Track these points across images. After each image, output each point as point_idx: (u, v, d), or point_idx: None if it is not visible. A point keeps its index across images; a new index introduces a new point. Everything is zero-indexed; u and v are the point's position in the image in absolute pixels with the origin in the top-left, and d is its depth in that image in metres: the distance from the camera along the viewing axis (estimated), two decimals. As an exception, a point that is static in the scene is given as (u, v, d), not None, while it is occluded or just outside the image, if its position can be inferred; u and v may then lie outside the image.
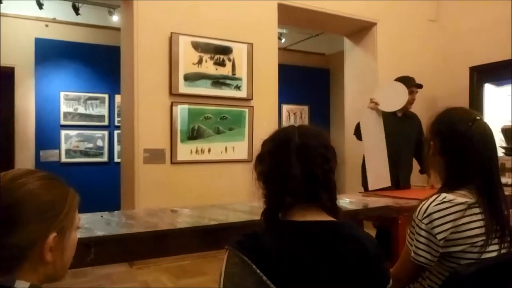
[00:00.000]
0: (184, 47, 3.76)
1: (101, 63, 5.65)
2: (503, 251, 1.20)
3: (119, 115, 5.46)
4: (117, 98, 5.52)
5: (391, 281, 0.98)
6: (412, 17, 5.14)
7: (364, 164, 3.25)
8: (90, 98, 5.69)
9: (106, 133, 5.78)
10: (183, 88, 3.78)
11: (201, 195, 3.73)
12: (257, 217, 1.06)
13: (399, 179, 3.18)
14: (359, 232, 0.98)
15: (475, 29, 4.90)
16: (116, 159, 5.67)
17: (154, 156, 3.65)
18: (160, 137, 3.70)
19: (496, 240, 1.19)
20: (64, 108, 5.51)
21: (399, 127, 3.22)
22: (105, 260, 1.73)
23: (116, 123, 5.75)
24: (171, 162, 3.74)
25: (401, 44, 5.05)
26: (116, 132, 5.74)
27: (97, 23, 5.71)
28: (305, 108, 7.36)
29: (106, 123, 5.78)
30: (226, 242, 0.93)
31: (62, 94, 5.49)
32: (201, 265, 3.67)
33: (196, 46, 3.82)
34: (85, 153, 5.66)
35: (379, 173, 2.98)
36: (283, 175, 0.96)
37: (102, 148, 5.76)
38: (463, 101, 4.57)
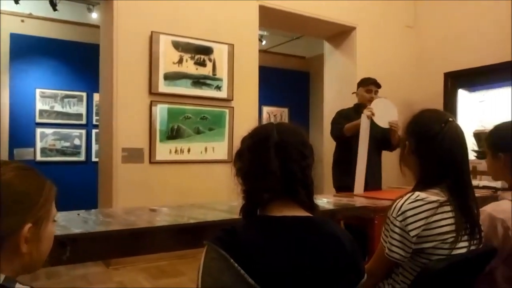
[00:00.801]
0: (165, 46, 3.74)
1: (79, 61, 5.56)
2: (472, 247, 1.25)
3: (97, 114, 5.37)
4: (96, 97, 5.44)
5: (365, 275, 1.01)
6: (390, 23, 5.26)
7: (335, 163, 3.32)
8: (67, 96, 5.58)
9: (83, 131, 5.69)
10: (163, 87, 3.76)
11: (180, 195, 3.71)
12: (237, 216, 1.08)
13: (368, 180, 3.20)
14: (335, 228, 1.01)
15: (450, 36, 5.05)
16: (94, 159, 5.58)
17: (133, 156, 3.62)
18: (139, 137, 3.67)
19: (465, 237, 1.24)
20: (40, 105, 5.39)
21: None
22: (81, 259, 1.71)
23: (94, 122, 5.66)
24: (150, 162, 3.71)
25: (380, 49, 5.16)
26: (94, 131, 5.65)
27: (75, 20, 5.61)
28: (285, 110, 7.41)
29: (83, 121, 5.69)
30: (203, 242, 0.94)
31: (38, 91, 5.37)
32: (179, 265, 3.65)
33: (177, 45, 3.81)
34: (62, 152, 5.54)
35: (363, 178, 3.05)
36: (261, 171, 0.98)
37: (79, 147, 5.66)
38: (438, 106, 4.67)
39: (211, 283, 0.88)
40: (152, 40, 3.67)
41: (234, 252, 0.87)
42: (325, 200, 2.40)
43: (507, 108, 4.37)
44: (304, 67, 7.91)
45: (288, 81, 7.42)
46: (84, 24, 5.64)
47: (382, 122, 3.19)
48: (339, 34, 5.15)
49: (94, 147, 5.66)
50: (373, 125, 3.30)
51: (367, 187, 3.13)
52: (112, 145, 3.55)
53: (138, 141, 3.65)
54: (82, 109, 5.68)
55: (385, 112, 3.20)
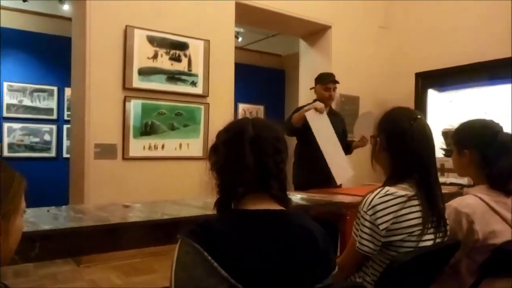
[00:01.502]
0: (139, 41, 3.69)
1: (50, 54, 5.41)
2: (438, 240, 1.30)
3: (69, 109, 5.25)
4: (67, 91, 5.31)
5: (336, 267, 1.03)
6: (364, 23, 5.36)
7: (296, 162, 3.30)
8: (37, 90, 5.43)
9: (54, 127, 5.54)
10: (137, 82, 3.70)
11: (153, 192, 3.68)
12: (211, 212, 1.08)
13: (331, 176, 3.21)
14: (308, 222, 1.03)
15: (421, 37, 5.20)
16: (65, 155, 5.45)
17: (106, 152, 3.55)
18: (112, 132, 3.60)
19: (432, 230, 1.28)
20: (7, 99, 5.22)
21: None
22: (51, 256, 1.67)
23: (65, 117, 5.53)
24: (123, 158, 3.65)
25: (354, 48, 5.26)
26: (65, 126, 5.52)
27: (46, 12, 5.45)
28: (261, 108, 7.44)
29: (54, 116, 5.54)
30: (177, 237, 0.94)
31: (5, 84, 5.20)
32: (152, 263, 3.62)
33: (152, 40, 3.76)
34: (31, 148, 5.39)
35: (341, 166, 3.06)
36: (236, 165, 0.99)
37: (49, 142, 5.51)
38: (409, 105, 4.72)
39: (185, 277, 0.88)
40: (127, 35, 3.61)
41: (207, 245, 0.87)
42: (298, 196, 2.43)
43: (474, 108, 4.54)
44: (280, 65, 7.96)
45: (263, 78, 7.45)
46: (55, 16, 5.49)
47: (357, 132, 3.23)
48: (315, 32, 5.21)
49: (65, 142, 5.53)
50: (335, 122, 3.33)
51: (330, 185, 3.17)
52: (84, 141, 3.48)
53: (111, 137, 3.59)
54: (53, 104, 5.53)
55: (364, 125, 3.20)
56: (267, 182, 0.99)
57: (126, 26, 3.61)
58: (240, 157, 0.99)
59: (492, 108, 4.30)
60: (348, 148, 3.34)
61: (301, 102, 5.52)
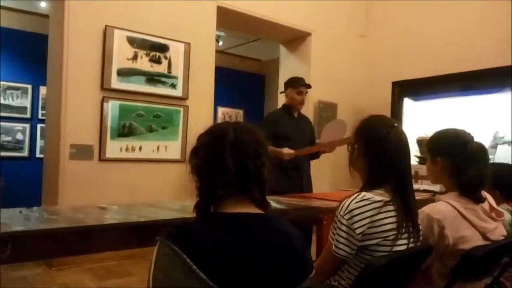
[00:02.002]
0: (119, 41, 3.65)
1: (25, 52, 5.28)
2: (411, 245, 1.34)
3: (43, 108, 5.13)
4: (42, 90, 5.19)
5: (313, 270, 1.05)
6: (343, 31, 5.46)
7: (277, 166, 3.29)
8: (10, 88, 5.28)
9: (27, 126, 5.40)
10: (116, 83, 3.66)
11: (130, 194, 3.64)
12: (189, 215, 1.09)
13: (303, 181, 3.29)
14: (286, 225, 1.04)
15: (399, 47, 5.34)
16: (38, 154, 5.32)
17: (81, 152, 3.49)
18: (88, 133, 3.54)
19: (405, 235, 1.32)
20: (-21, 97, 5.06)
21: (297, 128, 3.31)
22: (23, 258, 1.63)
23: (40, 116, 5.39)
24: (100, 159, 3.59)
25: (333, 56, 5.34)
26: (39, 125, 5.38)
27: (23, 8, 5.33)
28: (240, 112, 7.45)
29: (28, 115, 5.40)
30: (155, 239, 0.94)
31: (-23, 81, 5.05)
32: (127, 265, 3.57)
33: (132, 41, 3.72)
34: (2, 147, 5.22)
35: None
36: (216, 168, 1.00)
37: (22, 142, 5.37)
38: (385, 113, 4.84)
39: (163, 279, 0.88)
40: (106, 35, 3.57)
41: (186, 247, 0.88)
42: (276, 201, 2.45)
43: (448, 117, 4.68)
44: (260, 70, 8.00)
45: (243, 83, 7.47)
46: (32, 13, 5.37)
47: (325, 138, 3.28)
48: (295, 39, 5.27)
49: (39, 142, 5.39)
50: (304, 126, 3.38)
51: (302, 190, 3.20)
52: (59, 141, 3.40)
53: (87, 138, 3.53)
54: (27, 102, 5.39)
55: (334, 132, 3.25)
56: (247, 186, 1.00)
57: (106, 26, 3.57)
58: (221, 160, 1.00)
59: (464, 118, 4.45)
60: (316, 152, 3.39)
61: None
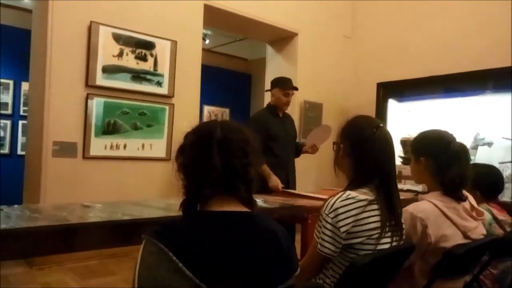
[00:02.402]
0: (104, 38, 3.60)
1: (7, 47, 5.16)
2: (394, 243, 1.36)
3: (25, 104, 5.03)
4: (24, 86, 5.09)
5: (299, 269, 1.06)
6: (330, 32, 5.50)
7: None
8: (-9, 84, 5.16)
9: (8, 122, 5.28)
10: (101, 80, 3.61)
11: (115, 193, 3.60)
12: (174, 213, 1.08)
13: (289, 179, 3.31)
14: (272, 223, 1.05)
15: (384, 49, 5.41)
16: (20, 152, 5.21)
17: (65, 150, 3.44)
18: (72, 130, 3.49)
19: (389, 234, 1.34)
20: (-42, 92, 4.94)
21: (283, 127, 3.34)
22: (4, 256, 1.60)
23: (21, 113, 5.29)
24: (84, 157, 3.54)
25: (319, 56, 5.38)
26: (21, 122, 5.28)
27: (4, 2, 5.21)
28: (226, 111, 7.44)
29: (9, 111, 5.28)
30: (140, 238, 0.93)
31: (-44, 76, 4.92)
32: (110, 264, 3.53)
33: (118, 38, 3.68)
34: (-18, 144, 5.11)
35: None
36: (203, 167, 1.00)
37: (3, 138, 5.25)
38: (370, 113, 4.92)
39: (149, 278, 0.88)
40: (91, 31, 3.52)
41: (172, 245, 0.88)
42: (262, 199, 2.46)
43: (431, 118, 4.76)
44: (246, 69, 8.00)
45: (230, 81, 7.46)
46: (13, 7, 5.25)
47: (310, 140, 3.34)
48: (282, 39, 5.28)
49: (20, 139, 5.29)
50: (289, 126, 3.41)
51: (288, 186, 3.23)
52: (42, 138, 3.34)
53: (71, 135, 3.48)
54: (8, 98, 5.28)
55: (319, 137, 3.31)
56: (233, 184, 1.01)
57: (91, 22, 3.52)
58: (208, 159, 0.99)
59: (447, 120, 4.53)
60: (297, 152, 3.43)
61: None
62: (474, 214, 1.61)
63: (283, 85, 3.29)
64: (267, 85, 5.48)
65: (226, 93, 7.34)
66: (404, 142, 4.19)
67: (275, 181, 3.06)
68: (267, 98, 5.44)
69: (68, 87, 3.46)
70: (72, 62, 3.47)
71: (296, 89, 3.37)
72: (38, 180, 3.37)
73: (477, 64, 4.36)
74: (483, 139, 4.40)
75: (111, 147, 3.72)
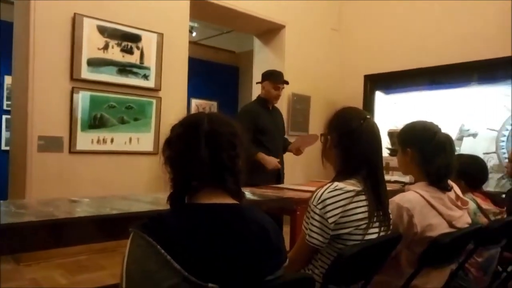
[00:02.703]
0: (89, 30, 3.54)
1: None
2: (382, 233, 1.38)
3: (8, 99, 4.93)
4: (7, 79, 4.99)
5: (287, 260, 1.07)
6: (317, 24, 5.50)
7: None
8: (-27, 78, 5.05)
9: (-8, 117, 5.19)
10: (86, 73, 3.56)
11: (102, 187, 3.57)
12: (162, 207, 1.08)
13: (280, 173, 3.33)
14: (260, 215, 1.05)
15: (371, 41, 5.43)
16: (4, 147, 5.12)
17: (51, 144, 3.39)
18: (57, 124, 3.44)
19: (377, 224, 1.36)
20: None
21: (272, 120, 3.36)
22: (-11, 253, 1.58)
23: (5, 107, 5.19)
24: (70, 152, 3.50)
25: (307, 49, 5.38)
26: (4, 116, 5.18)
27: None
28: (214, 104, 7.41)
29: (-8, 106, 5.19)
30: (129, 232, 0.93)
31: None
32: (99, 260, 3.50)
33: (102, 30, 3.62)
34: (-35, 139, 5.02)
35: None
36: (190, 159, 0.99)
37: (-14, 133, 5.16)
38: (357, 106, 5.00)
39: (137, 270, 0.88)
40: (75, 23, 3.46)
41: (160, 238, 0.87)
42: (250, 192, 2.46)
43: (417, 110, 4.81)
44: (234, 62, 7.96)
45: (217, 74, 7.42)
46: (-5, -1, 5.13)
47: (296, 143, 3.40)
48: (269, 31, 5.27)
49: (4, 134, 5.20)
50: (278, 119, 3.42)
51: (279, 179, 3.27)
52: (26, 133, 3.29)
53: (56, 129, 3.43)
54: (-9, 93, 5.18)
55: (305, 142, 3.42)
56: (221, 176, 1.01)
57: (75, 14, 3.46)
58: (195, 151, 0.99)
59: (433, 111, 4.59)
60: (284, 148, 3.46)
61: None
62: (459, 203, 1.64)
63: (274, 78, 3.30)
64: (255, 78, 5.50)
65: (214, 86, 7.31)
66: (391, 134, 4.23)
67: (272, 161, 3.10)
68: (255, 91, 5.46)
69: (53, 80, 3.40)
70: (56, 55, 3.41)
71: (287, 83, 3.38)
72: (23, 175, 3.32)
73: (462, 56, 4.41)
74: (468, 130, 4.47)
75: (98, 141, 3.68)
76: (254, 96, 5.46)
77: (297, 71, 5.17)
